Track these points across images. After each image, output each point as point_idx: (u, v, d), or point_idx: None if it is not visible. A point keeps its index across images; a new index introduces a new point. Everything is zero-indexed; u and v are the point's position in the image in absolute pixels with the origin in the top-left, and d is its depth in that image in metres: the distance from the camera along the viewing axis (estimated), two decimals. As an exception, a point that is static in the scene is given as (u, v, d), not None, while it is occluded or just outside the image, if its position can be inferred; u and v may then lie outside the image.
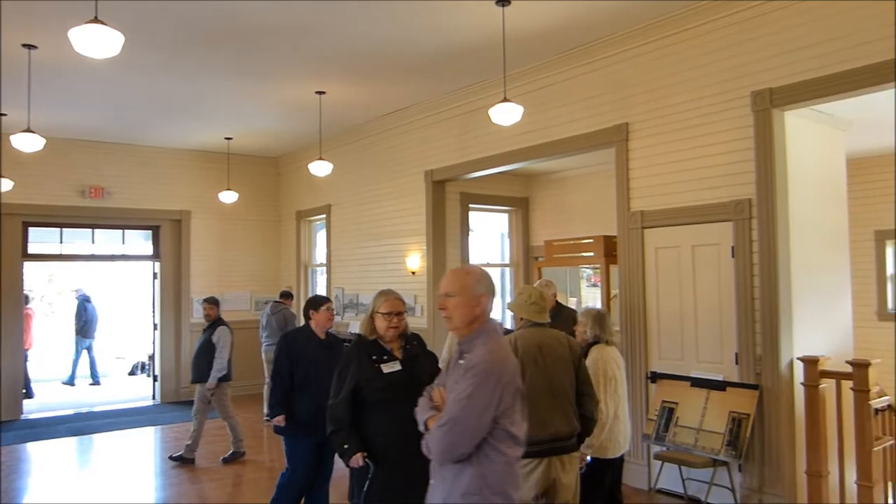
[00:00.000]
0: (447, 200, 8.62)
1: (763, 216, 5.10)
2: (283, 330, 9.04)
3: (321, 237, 11.20)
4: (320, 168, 8.13)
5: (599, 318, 4.60)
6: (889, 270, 9.09)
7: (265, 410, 9.30)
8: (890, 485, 5.18)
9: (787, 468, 5.05)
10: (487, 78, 7.19)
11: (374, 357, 3.52)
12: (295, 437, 4.70)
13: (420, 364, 3.52)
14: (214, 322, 7.22)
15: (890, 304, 9.06)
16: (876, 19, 4.50)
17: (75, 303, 12.85)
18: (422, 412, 2.63)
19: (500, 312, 10.03)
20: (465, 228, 8.97)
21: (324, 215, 10.68)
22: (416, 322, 8.09)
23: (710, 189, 5.46)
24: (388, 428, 3.30)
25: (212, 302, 7.36)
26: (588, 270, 8.38)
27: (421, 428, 2.58)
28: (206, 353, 7.07)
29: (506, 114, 5.59)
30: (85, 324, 12.58)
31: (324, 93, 7.76)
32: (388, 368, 3.49)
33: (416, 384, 3.02)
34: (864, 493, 4.74)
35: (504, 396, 2.41)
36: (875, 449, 4.76)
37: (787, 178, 5.16)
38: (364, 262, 9.68)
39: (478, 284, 2.59)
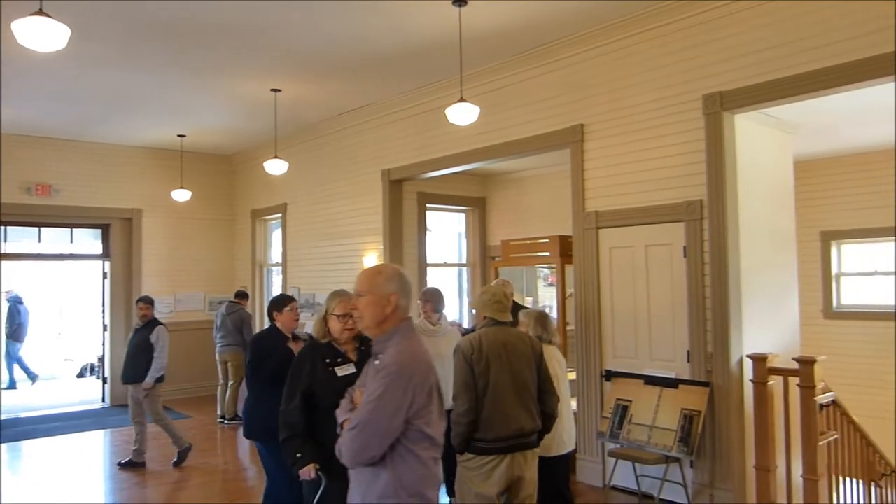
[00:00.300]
0: (404, 200, 8.60)
1: (714, 217, 5.21)
2: (240, 331, 8.93)
3: (277, 236, 11.07)
4: (276, 167, 8.03)
5: (541, 318, 4.66)
6: (834, 270, 9.37)
7: (218, 412, 9.16)
8: (834, 478, 5.33)
9: (737, 463, 5.17)
10: (444, 78, 7.19)
11: (327, 360, 3.47)
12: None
13: None
14: (150, 322, 7.05)
15: (835, 303, 9.35)
16: (822, 25, 4.63)
17: (6, 305, 12.38)
18: (341, 413, 2.59)
19: (458, 313, 10.06)
20: (422, 228, 8.96)
21: (279, 214, 10.55)
22: (374, 322, 8.03)
23: (664, 190, 5.55)
24: None
25: (147, 301, 7.18)
26: (546, 270, 8.45)
27: (339, 430, 2.53)
28: (143, 353, 6.86)
29: (462, 114, 5.60)
30: (18, 327, 12.19)
31: (279, 90, 7.67)
32: (342, 371, 3.45)
33: None
34: (810, 487, 4.88)
35: (417, 397, 2.36)
36: (820, 443, 4.90)
37: (736, 179, 5.27)
38: (320, 262, 9.59)
39: (388, 283, 2.53)
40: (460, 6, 5.37)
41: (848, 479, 5.66)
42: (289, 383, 3.48)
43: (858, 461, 5.84)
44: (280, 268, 10.62)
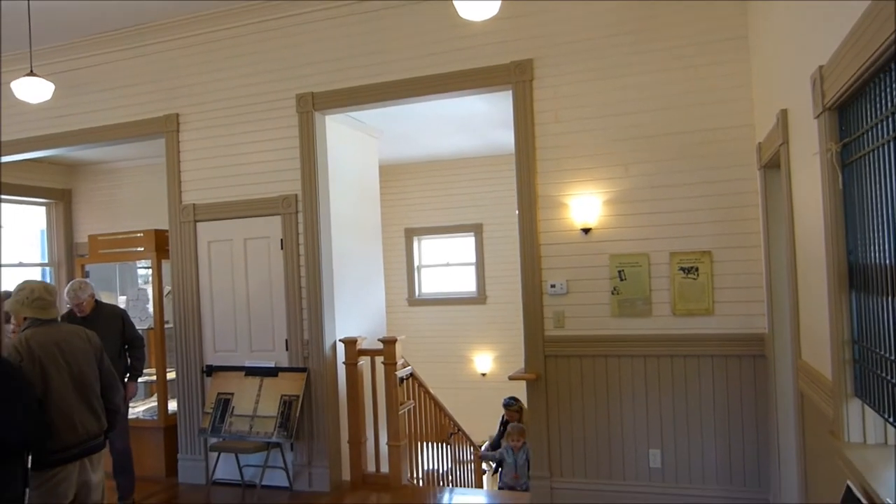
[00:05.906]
0: (-38, 189, 7.28)
1: (307, 211, 5.50)
2: None
3: None
4: None
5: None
6: (416, 262, 10.64)
7: None
8: (415, 442, 6.07)
9: (332, 440, 5.54)
10: (17, 49, 6.26)
11: None
12: None
13: None
14: None
15: (416, 292, 10.63)
16: (402, 41, 5.24)
17: None
18: None
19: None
20: (-13, 223, 7.69)
21: None
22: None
23: (261, 184, 5.67)
24: None
25: None
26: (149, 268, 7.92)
27: None
28: None
29: (32, 90, 4.92)
30: None
31: None
32: None
33: None
34: (394, 451, 5.50)
35: None
36: (400, 412, 5.55)
37: (328, 176, 5.65)
38: None
39: None
40: (28, -32, 4.75)
41: (426, 443, 6.50)
42: None
43: (433, 424, 6.75)
44: None
